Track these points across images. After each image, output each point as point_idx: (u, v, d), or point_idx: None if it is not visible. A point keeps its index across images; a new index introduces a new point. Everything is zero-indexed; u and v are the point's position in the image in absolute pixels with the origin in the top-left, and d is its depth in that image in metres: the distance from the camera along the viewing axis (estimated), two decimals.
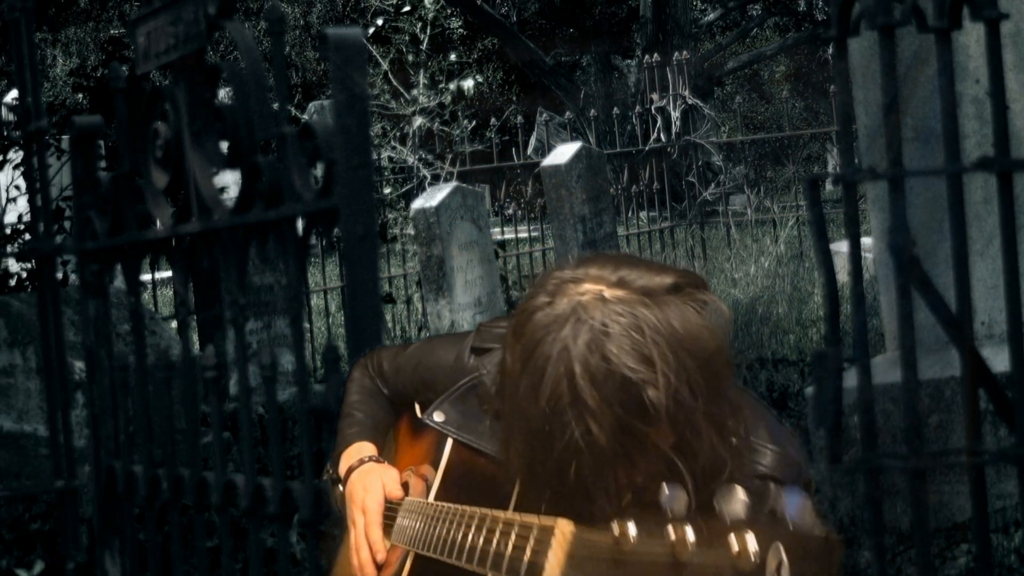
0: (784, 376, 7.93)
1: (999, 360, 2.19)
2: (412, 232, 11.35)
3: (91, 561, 4.43)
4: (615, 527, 1.51)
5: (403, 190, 14.85)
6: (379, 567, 2.06)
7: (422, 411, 2.16)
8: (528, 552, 1.68)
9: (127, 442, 2.45)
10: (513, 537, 1.73)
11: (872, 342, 6.44)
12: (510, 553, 1.72)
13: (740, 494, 1.44)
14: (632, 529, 1.49)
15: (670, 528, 1.45)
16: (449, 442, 2.04)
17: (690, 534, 1.44)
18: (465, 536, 1.84)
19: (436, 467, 2.04)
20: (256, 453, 2.13)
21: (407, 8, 16.43)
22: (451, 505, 1.93)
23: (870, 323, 6.45)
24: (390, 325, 10.94)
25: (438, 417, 2.07)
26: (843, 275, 6.38)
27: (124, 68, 2.42)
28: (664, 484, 1.51)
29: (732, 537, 1.40)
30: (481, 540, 1.81)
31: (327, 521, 2.11)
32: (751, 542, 1.39)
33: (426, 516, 1.98)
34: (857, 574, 4.55)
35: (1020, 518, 4.82)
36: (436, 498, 2.01)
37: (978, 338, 4.98)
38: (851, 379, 2.10)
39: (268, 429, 2.07)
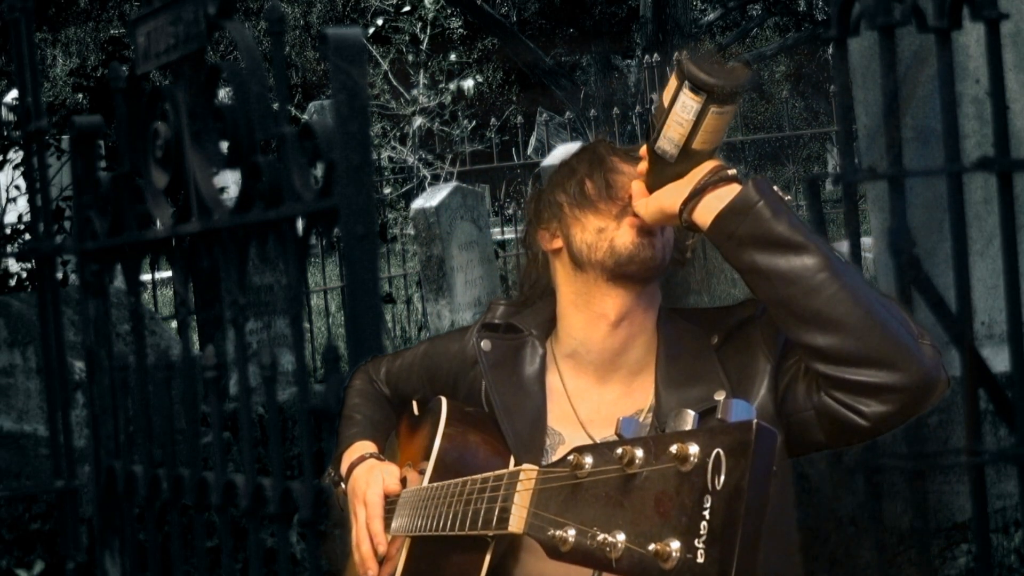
0: None
1: (999, 360, 2.19)
2: (412, 232, 11.35)
3: (91, 561, 4.43)
4: (572, 458, 1.63)
5: (403, 190, 14.85)
6: (381, 561, 2.07)
7: (420, 409, 2.18)
8: (499, 501, 1.80)
9: (127, 442, 2.46)
10: (488, 492, 1.85)
11: None
12: (485, 507, 1.84)
13: (690, 417, 1.54)
14: (588, 458, 1.61)
15: (620, 449, 1.55)
16: (440, 430, 2.07)
17: (639, 452, 1.54)
18: (450, 506, 1.90)
19: (430, 455, 2.07)
20: (256, 453, 2.14)
21: (407, 8, 16.44)
22: (440, 483, 1.97)
23: None
24: (390, 325, 10.95)
25: (485, 345, 2.18)
26: None
27: (124, 68, 2.42)
28: (620, 417, 1.63)
29: (675, 446, 1.50)
30: (463, 505, 1.90)
31: (327, 521, 2.12)
32: (692, 447, 1.49)
33: (419, 499, 2.01)
34: (857, 574, 4.55)
35: (1020, 518, 4.82)
36: (430, 482, 2.03)
37: (978, 338, 4.98)
38: None
39: (268, 429, 2.07)
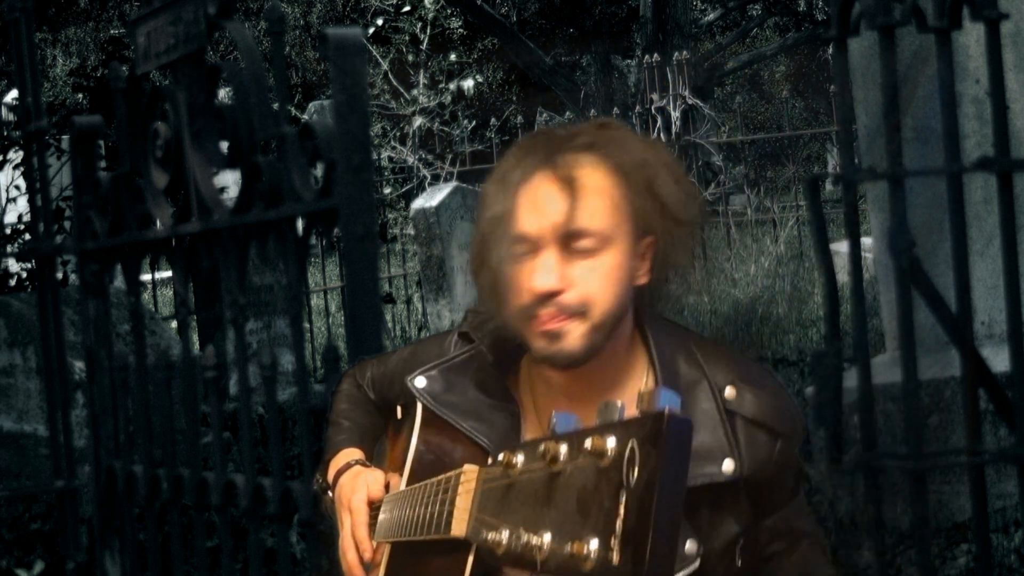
0: (784, 376, 7.93)
1: (999, 360, 2.19)
2: (412, 232, 11.35)
3: (91, 561, 4.43)
4: (503, 456, 1.59)
5: (403, 190, 14.85)
6: (368, 567, 2.06)
7: (403, 413, 2.16)
8: (446, 504, 1.77)
9: (127, 442, 2.46)
10: (439, 495, 1.81)
11: (872, 342, 6.44)
12: (437, 510, 1.81)
13: (617, 407, 1.49)
14: (518, 456, 1.57)
15: (543, 446, 1.51)
16: (416, 433, 2.04)
17: (562, 448, 1.50)
18: (413, 509, 1.89)
19: (407, 459, 2.05)
20: (256, 453, 2.13)
21: (407, 8, 16.43)
22: (409, 488, 1.95)
23: (870, 323, 6.45)
24: (390, 325, 10.94)
25: (419, 383, 2.07)
26: (843, 275, 6.37)
27: (124, 68, 2.42)
28: (555, 412, 1.57)
29: (589, 440, 1.45)
30: (421, 508, 1.87)
31: (326, 522, 2.11)
32: (609, 440, 1.44)
33: (394, 504, 2.00)
34: (857, 574, 4.55)
35: (1020, 518, 4.81)
36: (405, 486, 2.02)
37: (978, 338, 4.98)
38: (851, 379, 2.10)
39: (268, 429, 2.07)
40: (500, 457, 1.60)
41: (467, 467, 1.75)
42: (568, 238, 1.92)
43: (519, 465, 1.57)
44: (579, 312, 1.94)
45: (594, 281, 1.94)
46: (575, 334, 1.94)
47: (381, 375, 2.24)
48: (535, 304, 1.93)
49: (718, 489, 1.95)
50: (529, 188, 1.94)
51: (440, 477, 1.84)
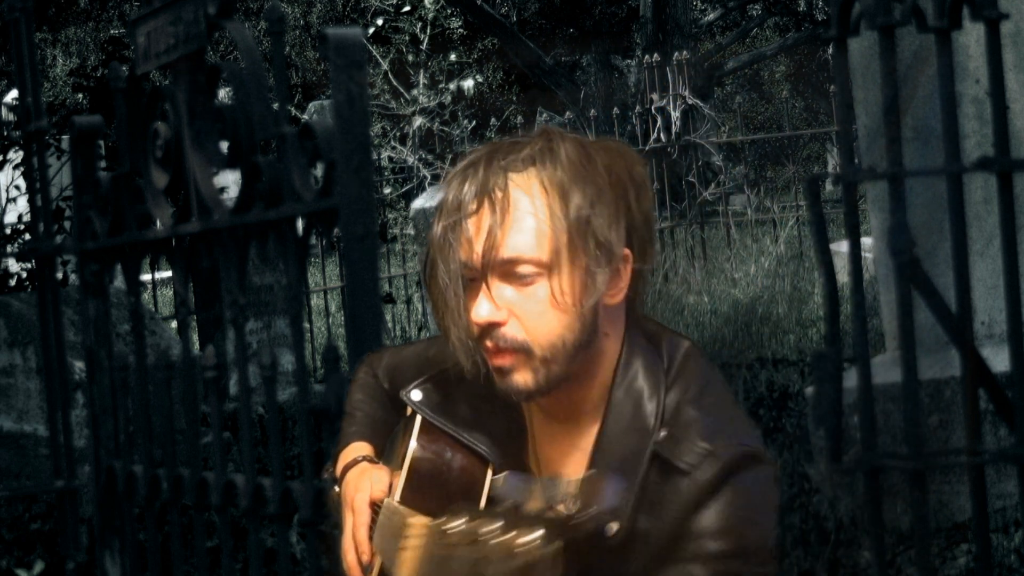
0: (784, 376, 7.92)
1: (999, 360, 2.19)
2: (412, 232, 11.34)
3: (91, 561, 4.43)
4: (445, 518, 1.55)
5: (403, 190, 14.85)
6: (367, 569, 2.05)
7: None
8: (400, 551, 1.74)
9: (127, 442, 2.45)
10: (398, 538, 1.79)
11: (872, 342, 6.44)
12: (394, 553, 1.79)
13: (559, 488, 1.47)
14: (457, 523, 1.53)
15: (476, 523, 1.48)
16: (413, 442, 2.02)
17: (490, 528, 1.46)
18: (385, 538, 1.87)
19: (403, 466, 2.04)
20: (256, 453, 2.13)
21: (407, 8, 16.43)
22: (395, 508, 1.94)
23: (870, 323, 6.45)
24: (390, 325, 10.94)
25: (415, 396, 2.05)
26: (843, 275, 6.38)
27: (124, 68, 2.42)
28: (508, 472, 1.51)
29: (515, 532, 1.43)
30: (389, 543, 1.86)
31: (327, 521, 2.11)
32: (534, 534, 1.41)
33: (385, 516, 1.99)
34: (857, 574, 4.55)
35: (1020, 518, 4.81)
36: (402, 497, 2.00)
37: (978, 338, 4.98)
38: (851, 379, 2.10)
39: (268, 429, 2.07)
40: (441, 519, 1.54)
41: (412, 520, 1.70)
42: (505, 266, 1.87)
43: (453, 536, 1.51)
44: (522, 347, 1.87)
45: (533, 312, 1.87)
46: (522, 370, 1.88)
47: (395, 365, 2.21)
48: (480, 334, 1.88)
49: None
50: (466, 214, 1.87)
51: (399, 516, 1.80)
